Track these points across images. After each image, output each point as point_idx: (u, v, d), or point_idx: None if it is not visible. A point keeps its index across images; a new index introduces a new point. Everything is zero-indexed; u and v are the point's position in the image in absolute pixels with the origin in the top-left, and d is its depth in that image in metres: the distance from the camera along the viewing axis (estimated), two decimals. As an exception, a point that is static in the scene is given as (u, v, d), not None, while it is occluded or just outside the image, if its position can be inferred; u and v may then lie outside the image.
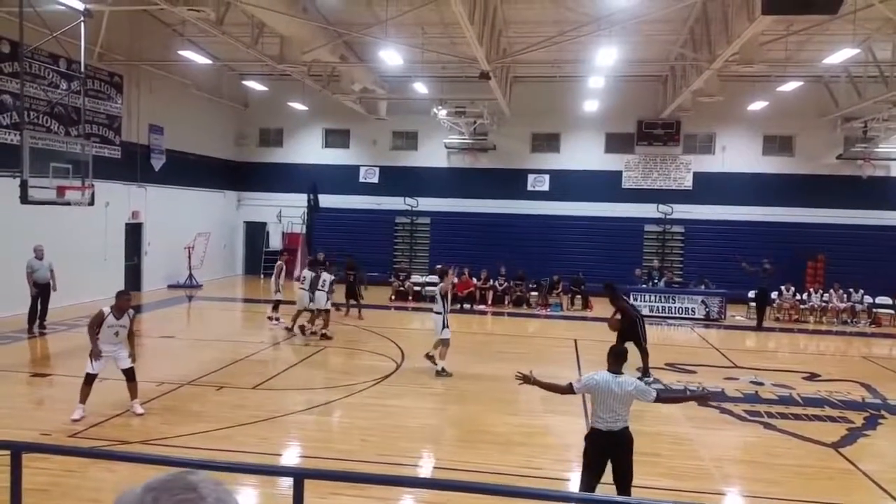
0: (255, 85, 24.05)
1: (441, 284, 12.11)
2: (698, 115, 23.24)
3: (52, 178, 13.94)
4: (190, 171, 23.55)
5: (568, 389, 5.95)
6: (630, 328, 11.85)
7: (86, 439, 7.88)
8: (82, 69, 14.70)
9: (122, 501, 0.95)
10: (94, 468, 6.83)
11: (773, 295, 19.96)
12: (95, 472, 6.77)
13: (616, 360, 6.06)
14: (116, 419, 8.71)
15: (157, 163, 21.89)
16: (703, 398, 5.85)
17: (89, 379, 8.62)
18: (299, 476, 3.05)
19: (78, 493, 6.35)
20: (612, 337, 11.60)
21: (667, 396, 5.86)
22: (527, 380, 6.02)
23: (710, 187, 24.28)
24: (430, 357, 11.83)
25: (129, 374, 8.88)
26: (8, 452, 3.66)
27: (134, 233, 20.89)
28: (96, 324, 8.64)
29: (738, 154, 24.42)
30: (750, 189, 23.99)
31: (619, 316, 11.97)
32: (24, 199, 13.22)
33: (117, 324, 8.72)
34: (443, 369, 11.60)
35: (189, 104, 23.23)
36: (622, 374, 5.98)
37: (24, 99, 14.81)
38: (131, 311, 8.91)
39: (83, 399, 8.60)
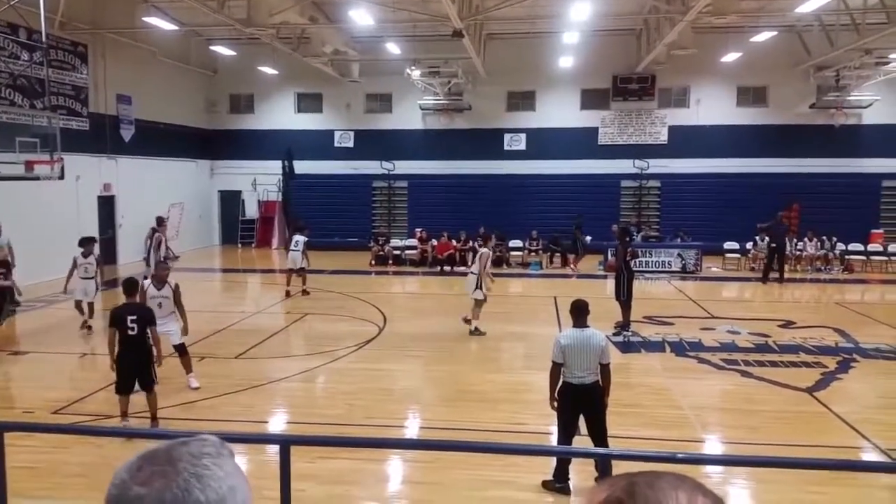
0: (223, 50, 23.51)
1: (485, 250, 12.43)
2: (673, 68, 23.18)
3: (18, 152, 13.63)
4: (161, 140, 23.10)
5: (556, 369, 5.96)
6: (616, 278, 12.15)
7: (69, 415, 7.85)
8: (44, 39, 14.26)
9: (123, 467, 0.98)
10: (80, 444, 6.82)
11: (749, 245, 20.27)
12: (81, 448, 6.76)
13: (578, 314, 6.12)
14: (99, 394, 8.69)
15: (127, 133, 21.44)
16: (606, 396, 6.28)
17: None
18: (285, 443, 3.07)
19: (65, 469, 6.36)
20: (590, 292, 11.73)
21: (607, 374, 6.02)
22: (553, 401, 6.05)
23: (685, 141, 24.35)
24: (467, 321, 11.97)
25: (181, 349, 8.87)
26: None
27: (107, 206, 20.55)
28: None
29: (712, 106, 24.47)
30: (724, 141, 24.09)
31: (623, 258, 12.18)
32: (-9, 174, 12.95)
33: (159, 295, 8.65)
34: (476, 328, 11.74)
35: (157, 72, 22.67)
36: (588, 327, 6.07)
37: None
38: (173, 282, 8.87)
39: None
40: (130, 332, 7.19)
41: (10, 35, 16.45)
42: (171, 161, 23.79)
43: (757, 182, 23.10)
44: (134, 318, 7.23)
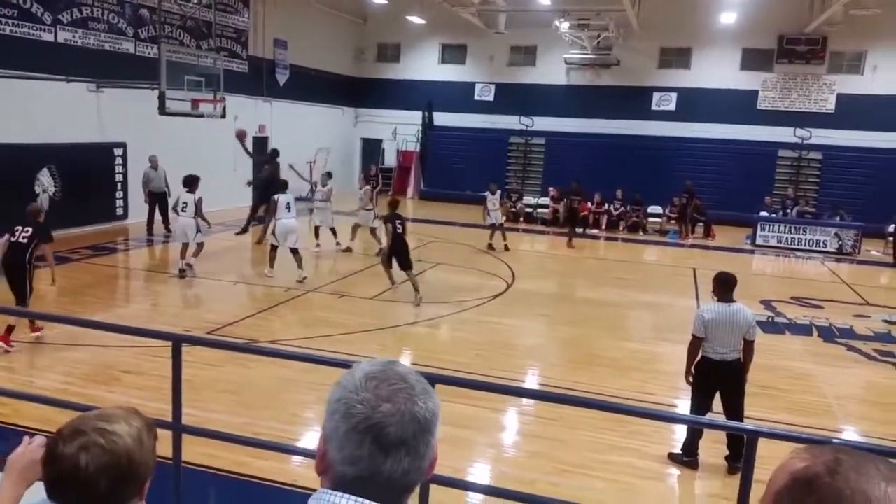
0: (374, -2, 23.90)
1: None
2: (848, 30, 20.99)
3: (186, 90, 14.69)
4: (312, 86, 24.02)
5: (696, 343, 5.71)
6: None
7: (220, 337, 8.52)
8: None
9: (344, 383, 1.12)
10: (230, 364, 7.42)
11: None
12: (231, 367, 7.36)
13: (724, 288, 5.77)
14: (248, 320, 9.38)
15: (282, 77, 22.48)
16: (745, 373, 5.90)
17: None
18: (430, 381, 3.15)
19: (217, 385, 6.95)
20: (732, 266, 11.11)
21: (751, 351, 5.69)
22: (688, 375, 5.86)
23: (855, 111, 22.16)
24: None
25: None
26: (169, 343, 4.06)
27: (261, 146, 21.76)
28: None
29: (891, 74, 22.04)
30: (902, 112, 21.72)
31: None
32: (162, 110, 14.07)
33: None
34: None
35: (311, 18, 23.47)
36: (734, 301, 5.75)
37: (160, 13, 15.49)
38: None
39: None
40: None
41: (183, -21, 17.56)
42: (320, 106, 24.75)
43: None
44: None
